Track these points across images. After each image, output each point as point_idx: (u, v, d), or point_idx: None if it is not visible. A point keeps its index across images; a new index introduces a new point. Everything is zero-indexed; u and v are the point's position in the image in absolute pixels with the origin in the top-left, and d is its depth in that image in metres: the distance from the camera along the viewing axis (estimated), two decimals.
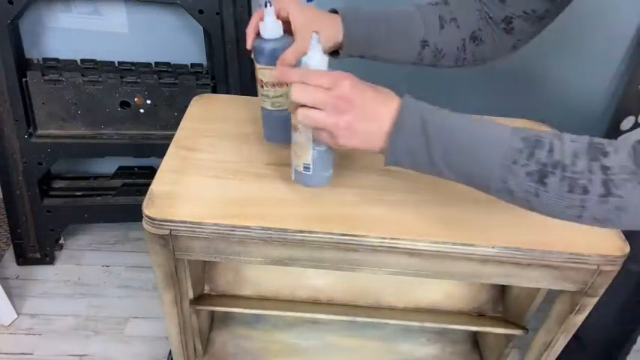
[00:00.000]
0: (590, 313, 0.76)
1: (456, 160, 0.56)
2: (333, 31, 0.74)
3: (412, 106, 0.57)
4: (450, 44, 0.79)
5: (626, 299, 0.98)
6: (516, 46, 0.80)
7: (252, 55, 0.71)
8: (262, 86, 0.72)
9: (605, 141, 0.52)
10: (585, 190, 0.51)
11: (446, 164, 0.56)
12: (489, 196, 0.59)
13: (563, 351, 0.85)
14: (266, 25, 0.68)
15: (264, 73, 0.71)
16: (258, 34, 0.70)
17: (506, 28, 0.77)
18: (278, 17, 0.69)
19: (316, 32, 0.60)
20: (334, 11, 0.76)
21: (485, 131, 0.56)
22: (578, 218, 0.53)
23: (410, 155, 0.57)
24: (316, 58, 0.61)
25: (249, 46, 0.70)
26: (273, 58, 0.68)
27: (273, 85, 0.71)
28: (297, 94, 0.58)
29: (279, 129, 0.70)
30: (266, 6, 0.66)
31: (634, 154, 0.50)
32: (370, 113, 0.57)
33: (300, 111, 0.58)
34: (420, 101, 0.58)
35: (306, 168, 0.68)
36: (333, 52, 0.78)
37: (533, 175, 0.52)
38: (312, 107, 0.58)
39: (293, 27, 0.70)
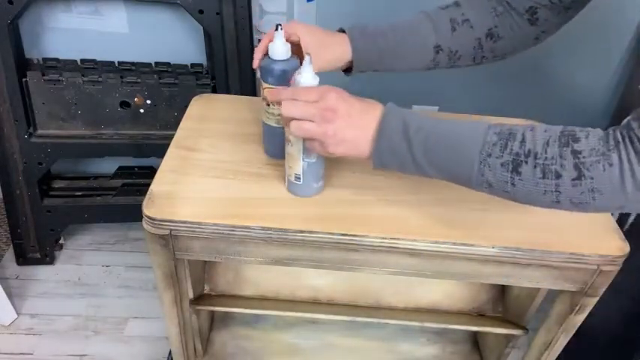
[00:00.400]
0: (599, 314, 0.76)
1: (438, 158, 0.60)
2: (343, 50, 0.77)
3: (394, 113, 0.62)
4: (464, 45, 0.79)
5: (635, 299, 0.98)
6: (539, 37, 0.80)
7: (259, 75, 0.74)
8: (268, 104, 0.75)
9: (577, 128, 0.55)
10: (558, 175, 0.53)
11: (429, 164, 0.60)
12: (489, 196, 0.59)
13: (573, 351, 0.84)
14: (276, 47, 0.71)
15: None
16: (265, 55, 0.73)
17: (530, 18, 0.77)
18: (289, 41, 0.72)
19: (309, 54, 0.65)
20: (342, 31, 0.79)
21: (463, 129, 0.59)
22: (557, 204, 0.55)
23: (395, 158, 0.61)
24: (308, 77, 0.65)
25: (255, 65, 0.73)
26: (281, 79, 0.71)
27: (280, 103, 0.73)
28: (288, 109, 0.62)
29: (282, 145, 0.74)
30: (277, 29, 0.69)
31: (606, 137, 0.53)
32: (355, 121, 0.62)
33: (292, 123, 0.63)
34: (402, 108, 0.62)
35: (297, 178, 0.71)
36: (347, 70, 0.81)
37: (507, 165, 0.55)
38: (303, 120, 0.62)
39: (304, 50, 0.73)
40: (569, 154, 0.53)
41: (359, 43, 0.77)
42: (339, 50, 0.77)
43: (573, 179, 0.53)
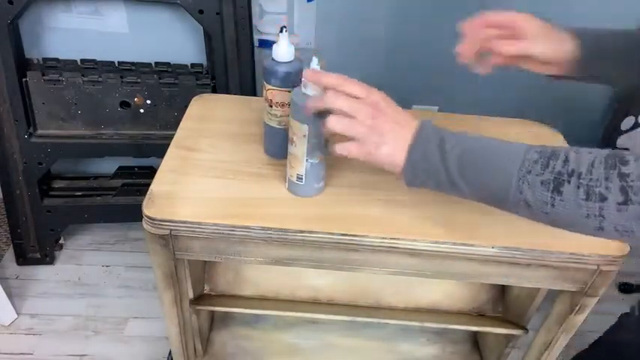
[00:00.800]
0: (632, 328, 0.74)
1: (473, 174, 0.56)
2: (567, 47, 0.70)
3: (430, 127, 0.59)
4: None
5: None
6: None
7: (263, 76, 0.74)
8: (271, 105, 0.75)
9: (626, 152, 0.51)
10: (603, 198, 0.50)
11: (463, 180, 0.57)
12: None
13: None
14: (280, 49, 0.71)
15: (274, 93, 0.74)
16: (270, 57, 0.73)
17: None
18: (510, 27, 0.69)
19: (316, 56, 0.64)
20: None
21: (502, 146, 0.57)
22: (600, 230, 0.52)
23: (428, 172, 0.58)
24: None
25: (465, 53, 0.70)
26: (284, 81, 0.72)
27: (282, 105, 0.75)
28: (332, 98, 0.60)
29: (282, 146, 0.74)
30: (281, 31, 0.70)
31: None
32: (398, 127, 0.59)
33: (331, 117, 0.60)
34: (438, 126, 0.60)
35: (299, 178, 0.71)
36: (555, 76, 0.74)
37: (548, 184, 0.52)
38: (343, 115, 0.60)
39: (526, 32, 0.69)
40: (615, 177, 0.49)
41: (586, 44, 0.70)
42: (558, 44, 0.70)
43: (619, 203, 0.49)
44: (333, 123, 0.60)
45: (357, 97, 0.60)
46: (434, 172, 0.58)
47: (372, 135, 0.59)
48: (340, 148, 0.61)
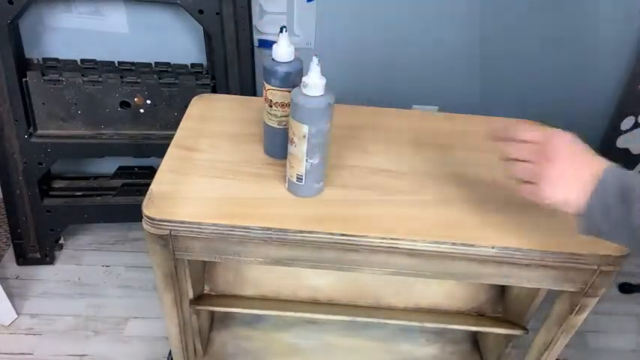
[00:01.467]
0: None
1: None
2: None
3: (615, 171, 0.56)
4: None
5: None
6: None
7: (263, 76, 0.74)
8: (271, 106, 0.75)
9: None
10: None
11: None
12: (489, 195, 0.59)
13: None
14: (280, 49, 0.71)
15: (274, 93, 0.74)
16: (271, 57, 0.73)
17: None
18: None
19: (316, 55, 0.64)
20: None
21: None
22: None
23: (607, 221, 0.55)
24: (315, 79, 0.65)
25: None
26: (284, 81, 0.72)
27: (282, 105, 0.75)
28: (515, 149, 0.62)
29: (282, 146, 0.74)
30: (281, 31, 0.70)
31: None
32: (576, 165, 0.58)
33: (515, 165, 0.62)
34: (624, 169, 0.57)
35: (299, 179, 0.71)
36: None
37: None
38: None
39: None
40: None
41: None
42: None
43: None
44: (515, 170, 0.62)
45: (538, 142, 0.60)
46: (614, 222, 0.54)
47: (546, 176, 0.58)
48: (520, 190, 0.63)
